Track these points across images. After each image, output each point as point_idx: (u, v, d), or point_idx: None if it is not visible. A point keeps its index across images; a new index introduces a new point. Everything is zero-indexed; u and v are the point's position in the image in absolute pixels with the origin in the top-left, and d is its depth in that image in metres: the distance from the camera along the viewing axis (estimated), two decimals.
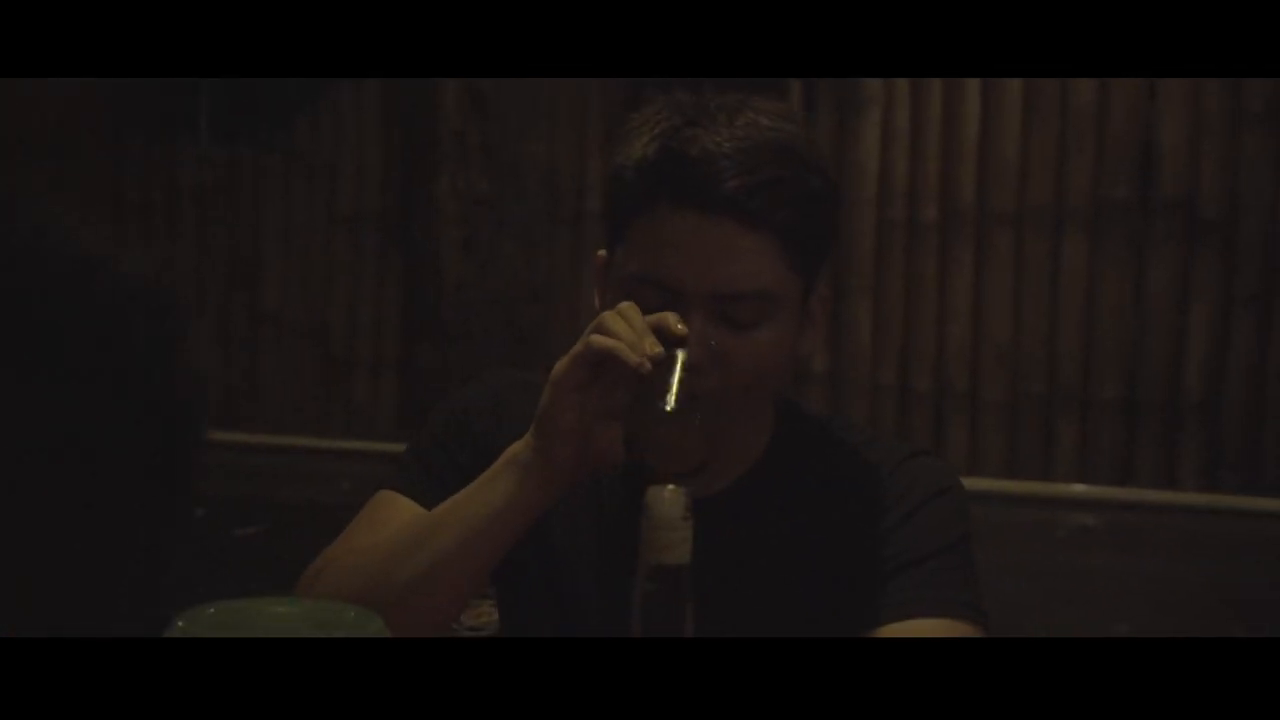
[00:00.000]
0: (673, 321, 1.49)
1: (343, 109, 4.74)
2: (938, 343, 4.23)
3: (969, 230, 4.21)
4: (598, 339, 1.48)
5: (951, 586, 1.63)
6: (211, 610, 1.26)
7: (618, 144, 1.61)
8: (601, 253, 1.65)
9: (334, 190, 4.76)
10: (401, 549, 1.59)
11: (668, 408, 1.44)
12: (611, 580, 1.65)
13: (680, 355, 1.48)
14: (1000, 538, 3.39)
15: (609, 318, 1.49)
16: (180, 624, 1.21)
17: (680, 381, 1.46)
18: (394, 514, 1.69)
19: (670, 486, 1.27)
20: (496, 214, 4.56)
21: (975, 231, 4.20)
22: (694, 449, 1.46)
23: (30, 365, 0.66)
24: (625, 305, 1.50)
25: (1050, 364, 4.15)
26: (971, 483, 2.08)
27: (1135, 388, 4.10)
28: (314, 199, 4.78)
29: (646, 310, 1.52)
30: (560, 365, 1.50)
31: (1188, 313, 4.09)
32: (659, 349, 1.46)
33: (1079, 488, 4.06)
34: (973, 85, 4.19)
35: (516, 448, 1.54)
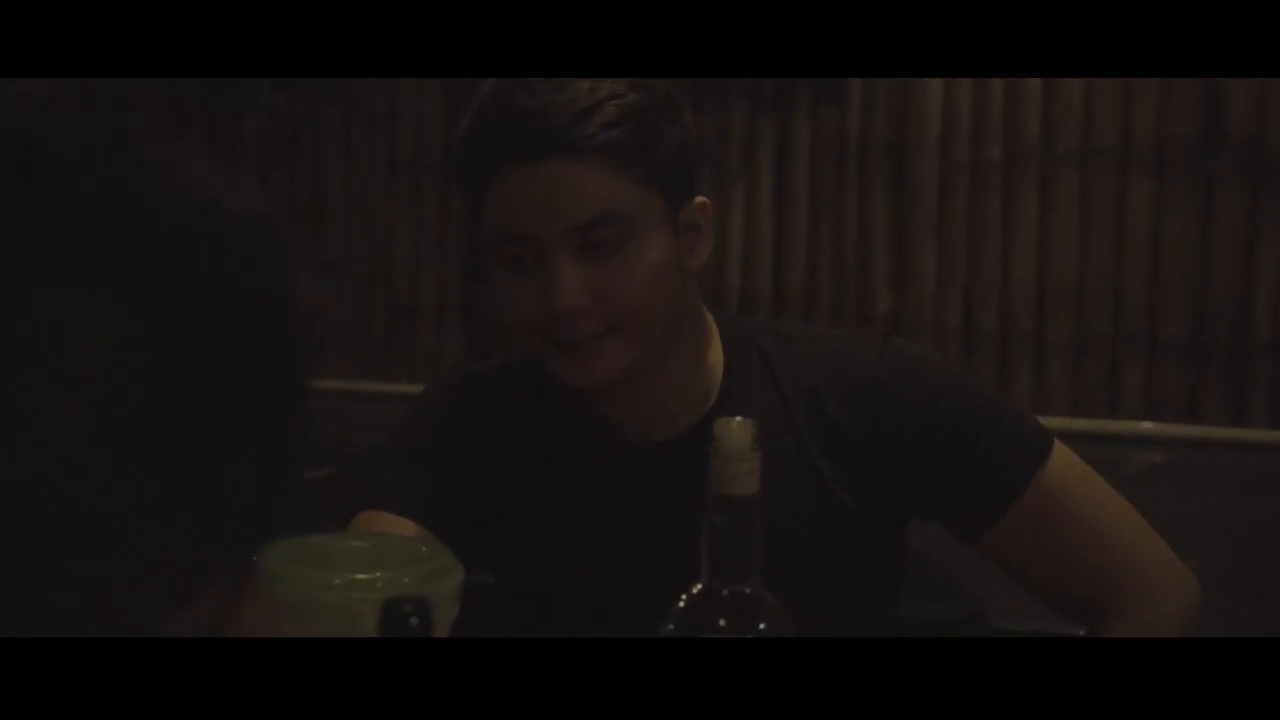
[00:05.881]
0: None
1: None
2: (1002, 283, 4.20)
3: (1033, 170, 4.17)
4: None
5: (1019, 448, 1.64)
6: (290, 545, 1.28)
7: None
8: None
9: (395, 138, 4.77)
10: None
11: None
12: (602, 551, 1.66)
13: None
14: None
15: None
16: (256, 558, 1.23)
17: None
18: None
19: (739, 418, 1.26)
20: None
21: (1039, 171, 4.17)
22: None
23: (132, 303, 0.65)
24: None
25: (1116, 303, 4.13)
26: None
27: (1202, 327, 4.07)
28: (375, 147, 4.79)
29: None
30: None
31: (1255, 251, 4.04)
32: None
33: (1147, 425, 4.04)
34: None
35: None
